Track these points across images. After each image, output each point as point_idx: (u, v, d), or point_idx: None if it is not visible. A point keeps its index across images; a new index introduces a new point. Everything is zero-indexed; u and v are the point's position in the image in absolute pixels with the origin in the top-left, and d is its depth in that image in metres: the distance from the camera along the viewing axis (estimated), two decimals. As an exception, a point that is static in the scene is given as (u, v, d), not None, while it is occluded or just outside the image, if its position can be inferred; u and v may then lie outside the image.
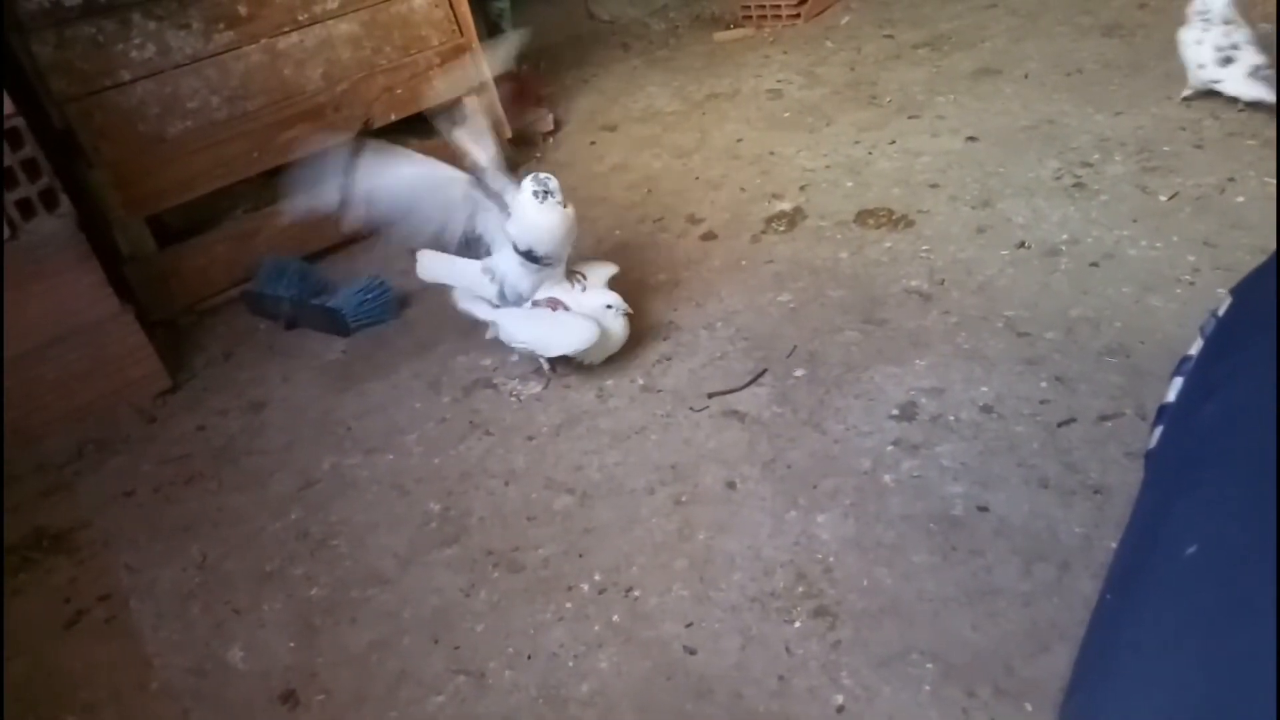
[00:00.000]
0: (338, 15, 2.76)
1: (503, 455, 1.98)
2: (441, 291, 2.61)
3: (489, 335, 2.25)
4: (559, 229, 2.09)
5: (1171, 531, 0.84)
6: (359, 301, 2.48)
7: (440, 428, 2.10)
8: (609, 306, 2.11)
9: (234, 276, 2.70)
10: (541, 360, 2.16)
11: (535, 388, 2.18)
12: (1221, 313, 1.00)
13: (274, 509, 1.96)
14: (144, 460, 2.18)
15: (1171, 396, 1.01)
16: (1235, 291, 1.01)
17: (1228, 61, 2.69)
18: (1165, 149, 2.63)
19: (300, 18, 2.69)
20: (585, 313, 2.10)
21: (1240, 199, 2.36)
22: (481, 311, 2.19)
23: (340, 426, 2.17)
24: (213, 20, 2.61)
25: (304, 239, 2.83)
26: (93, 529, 2.00)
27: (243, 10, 2.64)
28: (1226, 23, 2.69)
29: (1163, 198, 2.42)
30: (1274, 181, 2.39)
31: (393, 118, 2.95)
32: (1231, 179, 2.43)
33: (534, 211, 2.06)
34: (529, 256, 2.12)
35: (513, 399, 2.16)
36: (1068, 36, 3.47)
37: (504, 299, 2.18)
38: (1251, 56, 2.65)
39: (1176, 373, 1.04)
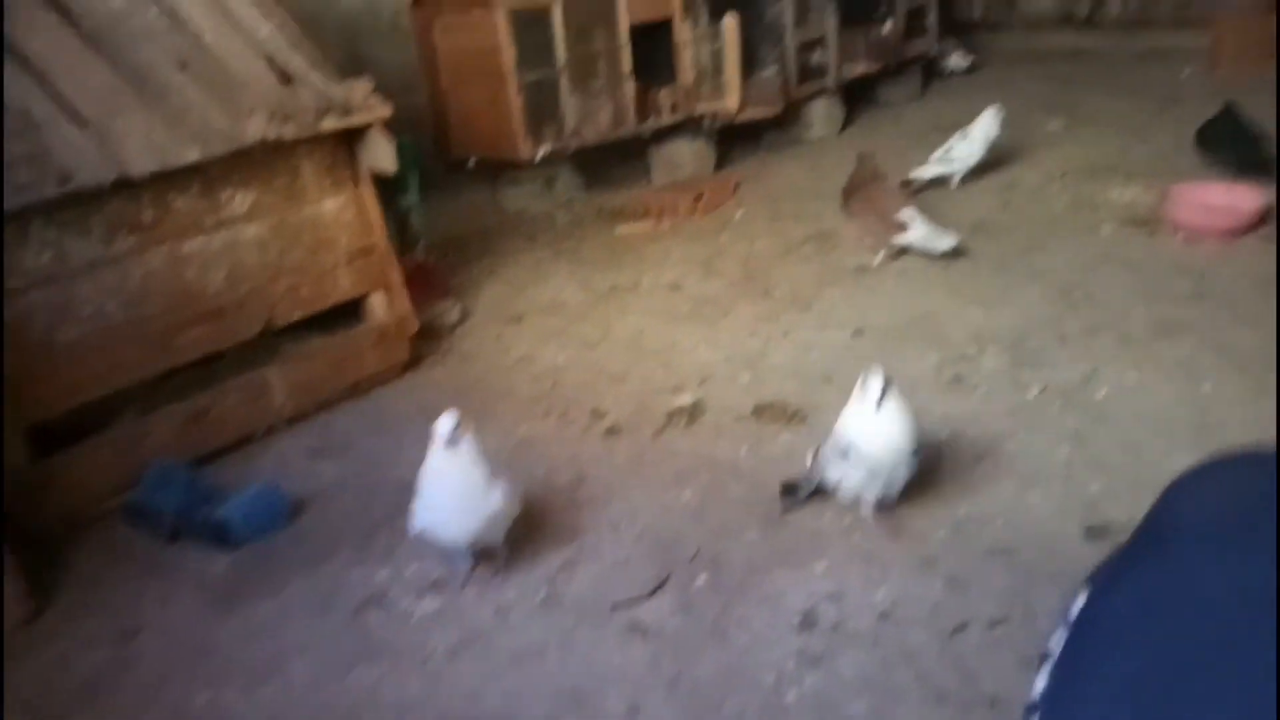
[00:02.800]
0: (245, 220, 2.80)
1: (395, 683, 1.88)
2: (338, 497, 2.56)
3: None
4: None
5: None
6: (248, 511, 2.39)
7: (329, 653, 1.99)
8: None
9: (116, 485, 2.58)
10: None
11: (432, 604, 2.11)
12: (1078, 608, 1.01)
13: (141, 754, 1.80)
14: (-4, 699, 1.99)
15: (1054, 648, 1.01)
16: (1093, 580, 1.03)
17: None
18: (1033, 344, 2.83)
19: (206, 222, 2.72)
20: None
21: (1102, 392, 2.54)
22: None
23: (220, 654, 2.03)
24: (115, 226, 2.60)
25: (196, 441, 2.75)
26: (-71, 786, 1.80)
27: (147, 216, 2.65)
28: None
29: (1034, 392, 2.58)
30: (1132, 375, 2.59)
31: (296, 317, 2.96)
32: (1094, 373, 2.62)
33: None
34: None
35: (407, 617, 2.08)
36: (940, 235, 3.76)
37: None
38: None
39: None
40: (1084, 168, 4.27)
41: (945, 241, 3.43)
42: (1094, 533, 2.03)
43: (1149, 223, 3.56)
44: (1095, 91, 5.50)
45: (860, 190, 3.69)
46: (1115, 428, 2.37)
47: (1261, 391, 2.43)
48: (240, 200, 2.78)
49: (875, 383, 2.05)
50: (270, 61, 2.82)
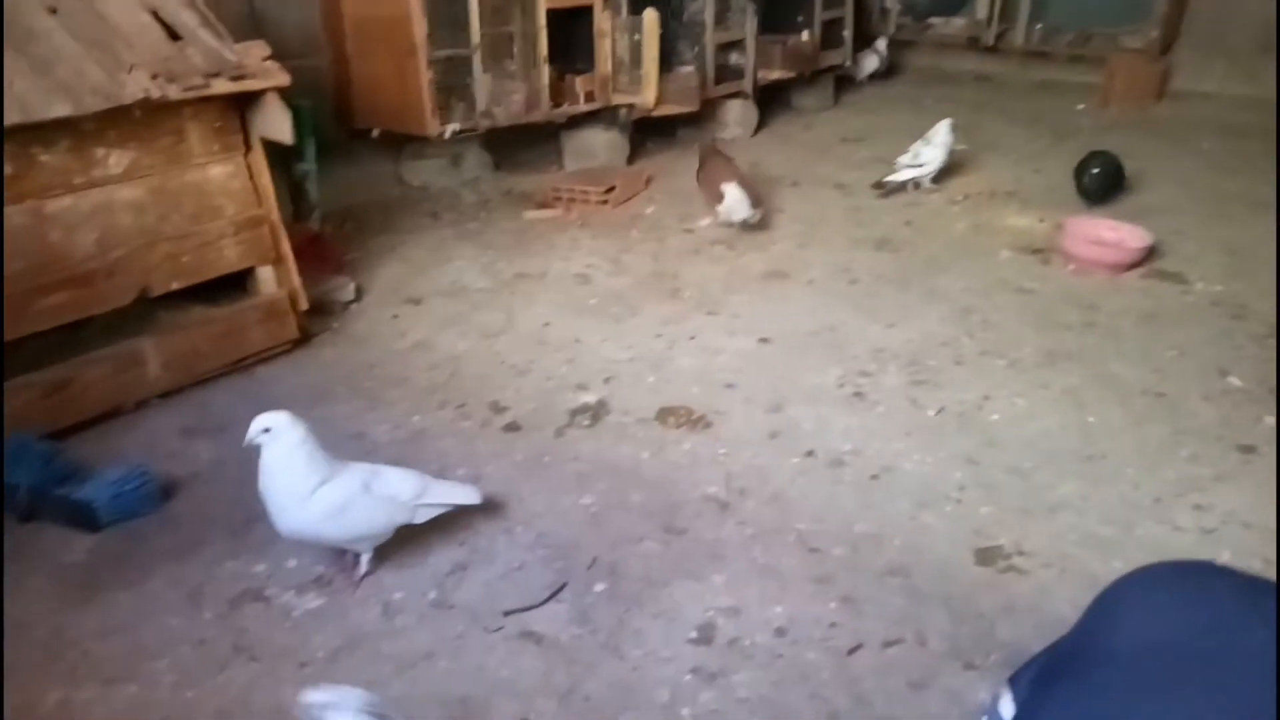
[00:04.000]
0: (120, 180, 2.58)
1: (270, 687, 1.77)
2: (214, 481, 2.40)
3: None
4: None
5: None
6: (114, 493, 2.21)
7: (197, 651, 1.86)
8: None
9: (-38, 458, 2.35)
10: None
11: (314, 601, 1.99)
12: (1007, 715, 1.00)
13: (-26, 762, 1.63)
14: None
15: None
16: (1013, 683, 1.02)
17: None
18: (931, 363, 2.90)
19: (76, 181, 2.49)
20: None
21: (995, 416, 2.61)
22: None
23: (75, 649, 1.87)
24: (-30, 177, 2.37)
25: (56, 413, 2.53)
26: None
27: (9, 169, 2.41)
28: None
29: (930, 412, 2.64)
30: (1022, 401, 2.68)
31: (174, 286, 2.75)
32: (987, 397, 2.70)
33: None
34: None
35: (285, 615, 1.96)
36: (845, 247, 3.82)
37: None
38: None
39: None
40: (984, 192, 4.42)
41: (745, 213, 3.85)
42: (983, 556, 2.08)
43: (1042, 251, 3.71)
44: (996, 117, 5.70)
45: (704, 165, 4.10)
46: (1005, 452, 2.44)
47: (1140, 424, 2.56)
48: (116, 160, 2.56)
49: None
50: (156, 16, 2.60)
